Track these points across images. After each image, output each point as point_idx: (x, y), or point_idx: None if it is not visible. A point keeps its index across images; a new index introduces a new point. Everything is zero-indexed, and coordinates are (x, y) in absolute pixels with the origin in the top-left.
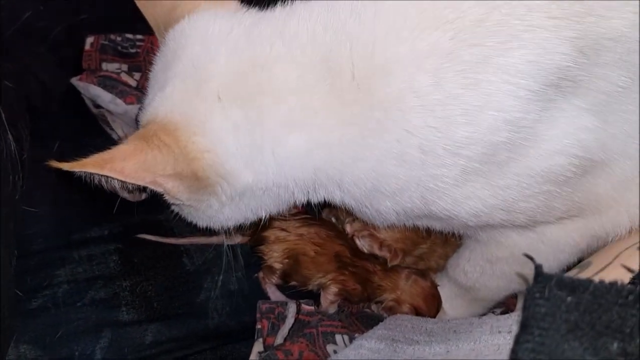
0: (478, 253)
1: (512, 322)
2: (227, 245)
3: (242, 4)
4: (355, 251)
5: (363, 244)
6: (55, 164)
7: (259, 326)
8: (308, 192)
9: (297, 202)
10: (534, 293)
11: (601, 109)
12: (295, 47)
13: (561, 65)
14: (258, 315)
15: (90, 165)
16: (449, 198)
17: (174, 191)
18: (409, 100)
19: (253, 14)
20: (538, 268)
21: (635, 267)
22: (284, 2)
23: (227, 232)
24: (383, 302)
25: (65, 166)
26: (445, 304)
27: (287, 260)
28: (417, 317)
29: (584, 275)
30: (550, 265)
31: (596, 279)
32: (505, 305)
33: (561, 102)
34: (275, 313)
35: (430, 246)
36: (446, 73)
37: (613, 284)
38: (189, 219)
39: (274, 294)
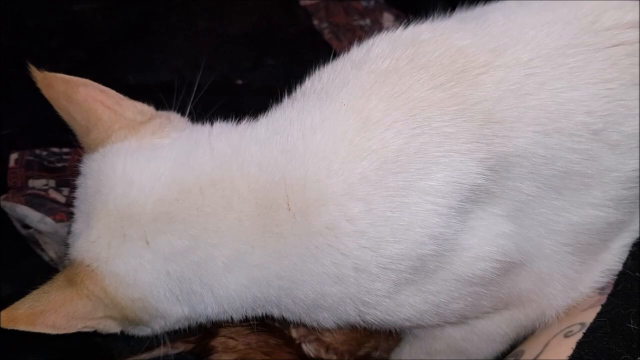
0: (417, 347)
1: None
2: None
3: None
4: (302, 357)
5: (309, 349)
6: None
7: None
8: (246, 313)
9: (234, 319)
10: None
11: (516, 214)
12: (231, 195)
13: (475, 183)
14: None
15: (22, 322)
16: (383, 308)
17: (106, 329)
18: (343, 226)
19: (175, 152)
20: None
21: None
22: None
23: (169, 340)
24: None
25: None
26: None
27: None
28: None
29: None
30: (484, 353)
31: None
32: None
33: (479, 212)
34: None
35: (374, 343)
36: (375, 199)
37: None
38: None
39: None
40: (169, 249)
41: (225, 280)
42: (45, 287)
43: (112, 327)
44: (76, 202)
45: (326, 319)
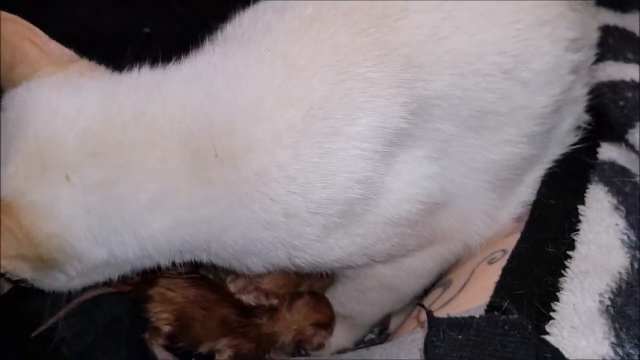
0: (350, 286)
1: (397, 350)
2: None
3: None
4: (242, 310)
5: (249, 299)
6: None
7: None
8: (173, 258)
9: (162, 266)
10: (431, 337)
11: (438, 155)
12: (154, 131)
13: (399, 127)
14: None
15: None
16: (313, 251)
17: (17, 272)
18: (272, 173)
19: (102, 87)
20: (429, 314)
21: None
22: (132, 72)
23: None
24: (287, 343)
25: None
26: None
27: (175, 323)
28: (314, 357)
29: (448, 293)
30: (412, 287)
31: (464, 299)
32: (381, 324)
33: (403, 155)
34: None
35: (310, 283)
36: (303, 146)
37: (490, 318)
38: (35, 285)
39: (162, 354)
40: (89, 182)
41: (149, 220)
42: None
43: (24, 271)
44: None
45: (256, 263)
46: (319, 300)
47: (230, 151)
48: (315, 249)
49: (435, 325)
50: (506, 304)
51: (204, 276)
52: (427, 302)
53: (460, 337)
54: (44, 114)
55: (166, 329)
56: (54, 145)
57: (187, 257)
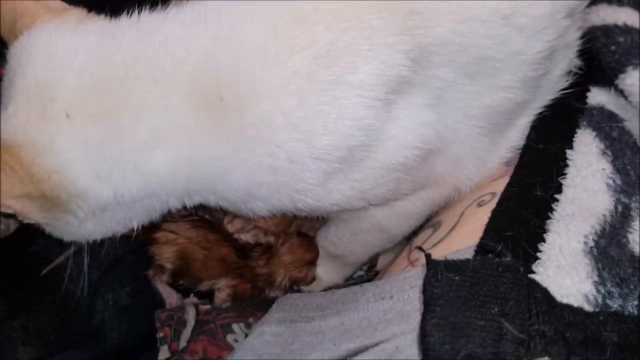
0: (343, 228)
1: (389, 287)
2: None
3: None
4: (240, 251)
5: (247, 237)
6: None
7: (161, 334)
8: (183, 199)
9: (172, 209)
10: (429, 278)
11: (435, 102)
12: (155, 68)
13: (401, 74)
14: (158, 324)
15: None
16: (314, 195)
17: (25, 212)
18: (277, 119)
19: (98, 29)
20: (428, 257)
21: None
22: (130, 15)
23: None
24: (283, 283)
25: None
26: (321, 271)
27: (178, 262)
28: (307, 293)
29: (438, 235)
30: (403, 229)
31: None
32: (370, 262)
33: (402, 102)
34: (175, 319)
35: (300, 223)
36: (308, 93)
37: (485, 260)
38: (54, 235)
39: (165, 290)
40: (88, 117)
41: (150, 154)
42: None
43: (32, 211)
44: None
45: (261, 207)
46: (310, 240)
47: (236, 96)
48: (316, 193)
49: (433, 267)
50: (500, 247)
51: (203, 218)
52: (417, 243)
53: (457, 278)
54: (42, 55)
55: (169, 266)
56: (53, 84)
57: (196, 199)
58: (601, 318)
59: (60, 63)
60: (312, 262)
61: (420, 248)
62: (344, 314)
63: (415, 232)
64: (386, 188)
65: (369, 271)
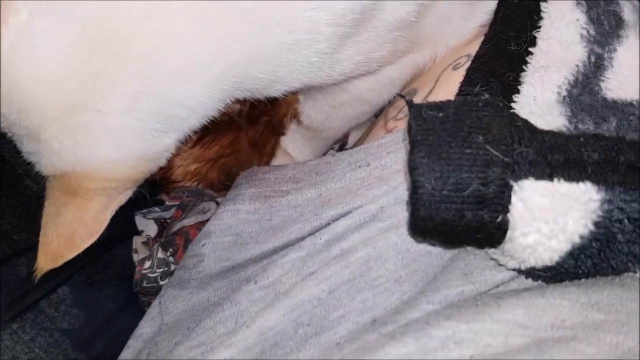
0: (322, 101)
1: (365, 154)
2: None
3: None
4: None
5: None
6: None
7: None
8: (225, 102)
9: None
10: (413, 118)
11: None
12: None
13: None
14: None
15: (66, 252)
16: (326, 66)
17: (127, 197)
18: None
19: None
20: (409, 102)
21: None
22: None
23: None
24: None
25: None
26: (293, 149)
27: (222, 176)
28: (277, 166)
29: (415, 101)
30: (384, 97)
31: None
32: (340, 140)
33: None
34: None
35: None
36: None
37: (466, 98)
38: None
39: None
40: (131, 95)
41: (190, 88)
42: (49, 212)
43: (130, 192)
44: None
45: (278, 90)
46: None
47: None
48: (328, 63)
49: (415, 108)
50: (477, 88)
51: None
52: (392, 113)
53: (440, 114)
54: None
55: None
56: None
57: (230, 99)
58: (581, 139)
59: None
60: None
61: (401, 96)
62: (321, 185)
63: (389, 102)
64: (386, 49)
65: (340, 149)
